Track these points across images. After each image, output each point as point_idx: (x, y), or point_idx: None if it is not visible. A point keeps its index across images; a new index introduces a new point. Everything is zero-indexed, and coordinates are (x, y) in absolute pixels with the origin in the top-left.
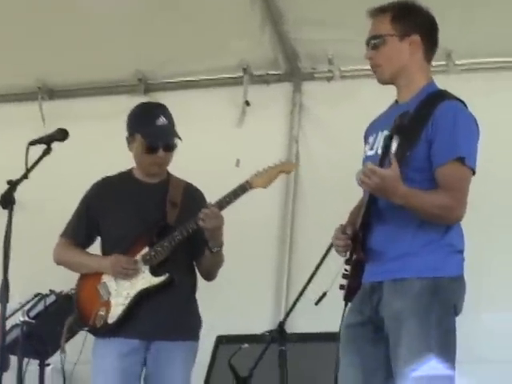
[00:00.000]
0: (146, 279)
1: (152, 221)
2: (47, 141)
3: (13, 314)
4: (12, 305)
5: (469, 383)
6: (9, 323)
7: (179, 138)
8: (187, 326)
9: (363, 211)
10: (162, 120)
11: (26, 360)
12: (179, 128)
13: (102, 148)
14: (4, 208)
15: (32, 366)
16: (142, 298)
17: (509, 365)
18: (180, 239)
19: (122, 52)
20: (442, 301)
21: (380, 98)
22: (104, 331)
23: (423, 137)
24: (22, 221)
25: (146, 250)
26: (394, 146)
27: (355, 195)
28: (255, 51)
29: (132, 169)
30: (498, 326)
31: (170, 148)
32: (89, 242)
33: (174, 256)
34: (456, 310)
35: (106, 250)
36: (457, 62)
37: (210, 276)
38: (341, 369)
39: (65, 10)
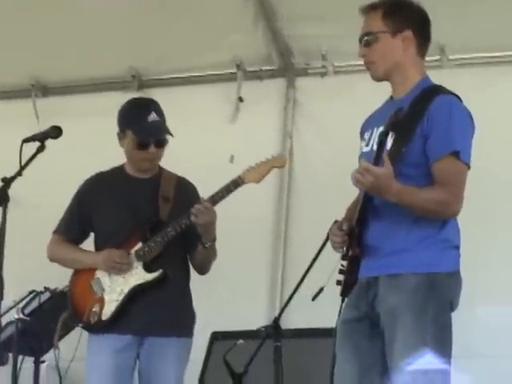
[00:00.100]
0: (139, 275)
1: (144, 216)
2: (41, 138)
3: (7, 311)
4: (6, 302)
5: (464, 378)
6: (3, 320)
7: (170, 135)
8: (181, 322)
9: (359, 207)
10: (153, 116)
11: (20, 357)
12: (173, 124)
13: (96, 145)
14: None
15: (27, 364)
16: (136, 294)
17: (504, 360)
18: (173, 235)
19: (115, 49)
20: (438, 296)
21: (374, 94)
22: (98, 328)
23: (418, 132)
24: (16, 218)
25: (139, 245)
26: (389, 142)
27: (349, 190)
28: (249, 47)
29: (124, 164)
30: (493, 320)
31: (161, 144)
32: (82, 237)
33: (167, 251)
34: (452, 306)
35: (99, 246)
36: (450, 57)
37: (203, 270)
38: (337, 364)
39: (58, 8)
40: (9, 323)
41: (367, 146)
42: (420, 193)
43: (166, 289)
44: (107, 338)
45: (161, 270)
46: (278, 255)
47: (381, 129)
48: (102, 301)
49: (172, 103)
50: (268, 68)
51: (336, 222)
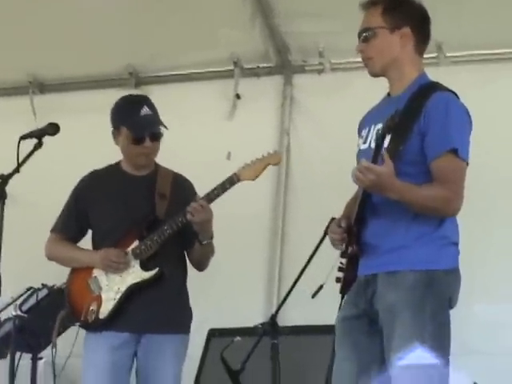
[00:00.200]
0: (136, 274)
1: (141, 214)
2: (38, 135)
3: (5, 308)
4: (4, 299)
5: (461, 376)
6: (1, 317)
7: (165, 127)
8: (178, 319)
9: (358, 205)
10: (145, 110)
11: (18, 354)
12: (170, 121)
13: (93, 141)
14: None
15: (24, 360)
16: (133, 293)
17: (501, 357)
18: (170, 233)
19: (112, 46)
20: (437, 293)
21: (371, 91)
22: (96, 326)
23: (416, 129)
24: (13, 215)
25: (136, 243)
26: (387, 140)
27: (346, 187)
28: (246, 44)
29: (120, 161)
30: (490, 317)
31: (156, 137)
32: (79, 235)
33: (164, 249)
34: (451, 303)
35: (96, 243)
36: (448, 54)
37: (201, 266)
38: (336, 361)
39: (56, 5)
40: (6, 320)
41: (365, 143)
42: (421, 190)
43: (162, 287)
44: (104, 335)
45: (157, 269)
46: (275, 252)
47: (378, 126)
48: (99, 299)
49: (169, 100)
50: (265, 65)
51: (333, 219)
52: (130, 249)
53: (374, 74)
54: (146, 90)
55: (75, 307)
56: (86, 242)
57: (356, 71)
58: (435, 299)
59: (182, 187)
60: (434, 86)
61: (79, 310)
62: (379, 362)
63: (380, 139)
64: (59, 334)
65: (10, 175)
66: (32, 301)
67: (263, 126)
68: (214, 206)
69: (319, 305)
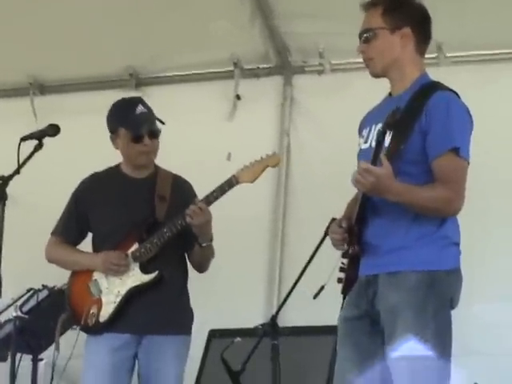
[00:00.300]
0: (136, 276)
1: (141, 216)
2: (39, 136)
3: (5, 309)
4: (5, 300)
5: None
6: (1, 318)
7: (162, 122)
8: (179, 320)
9: (358, 205)
10: (140, 108)
11: (19, 355)
12: (170, 122)
13: (93, 143)
14: None
15: (25, 361)
16: (133, 296)
17: (502, 358)
18: (169, 236)
19: (112, 47)
20: (438, 294)
21: (371, 91)
22: (96, 329)
23: (417, 128)
24: (14, 216)
25: (135, 246)
26: (387, 139)
27: (347, 188)
28: (246, 45)
29: (119, 164)
30: (490, 318)
31: (154, 134)
32: (79, 238)
33: (164, 252)
34: (452, 303)
35: (97, 246)
36: (448, 55)
37: (201, 268)
38: (337, 362)
39: (56, 6)
40: (7, 321)
41: (366, 143)
42: (421, 191)
43: (162, 290)
44: (105, 337)
45: (157, 272)
46: (276, 253)
47: (379, 125)
48: (99, 302)
49: (169, 101)
50: (265, 66)
51: (333, 219)
52: (129, 251)
53: (375, 75)
54: (147, 91)
55: (76, 310)
56: (87, 244)
57: (356, 72)
58: (437, 300)
59: (181, 189)
60: (436, 86)
61: (80, 314)
62: (381, 362)
63: (381, 136)
64: (60, 335)
65: (11, 176)
66: (32, 302)
67: (263, 126)
68: (214, 207)
69: (319, 305)
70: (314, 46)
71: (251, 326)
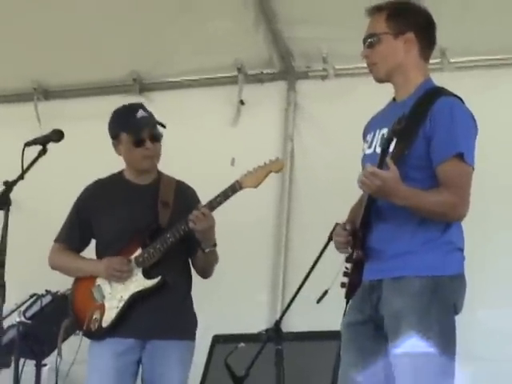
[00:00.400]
0: (138, 282)
1: (144, 222)
2: (43, 141)
3: (9, 314)
4: (8, 305)
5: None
6: (5, 324)
7: (163, 126)
8: (183, 325)
9: (363, 209)
10: (141, 113)
11: (22, 360)
12: (174, 127)
13: (97, 148)
14: (0, 209)
15: (28, 367)
16: (136, 301)
17: (505, 364)
18: (172, 241)
19: (116, 52)
20: (442, 299)
21: (375, 96)
22: (99, 335)
23: (421, 134)
24: (17, 221)
25: (138, 251)
26: (392, 144)
27: (350, 193)
28: (249, 50)
29: (123, 170)
30: (493, 324)
31: (156, 138)
32: (83, 245)
33: (167, 257)
34: (456, 309)
35: (100, 252)
36: (451, 60)
37: (205, 274)
38: (341, 367)
39: (60, 12)
40: (10, 326)
41: (370, 147)
42: (427, 195)
43: (165, 295)
44: (108, 341)
45: (160, 277)
46: (279, 258)
47: (383, 131)
48: (102, 308)
49: (173, 106)
50: (269, 71)
51: (337, 224)
52: (132, 257)
53: (379, 80)
54: (150, 96)
55: (79, 316)
56: (90, 251)
57: (360, 77)
58: (440, 305)
59: (184, 195)
60: (440, 91)
61: (82, 319)
62: (385, 366)
63: (386, 143)
64: (63, 340)
65: (15, 182)
66: (36, 307)
67: (267, 131)
68: (218, 212)
69: (323, 310)
70: (317, 51)
71: (255, 331)
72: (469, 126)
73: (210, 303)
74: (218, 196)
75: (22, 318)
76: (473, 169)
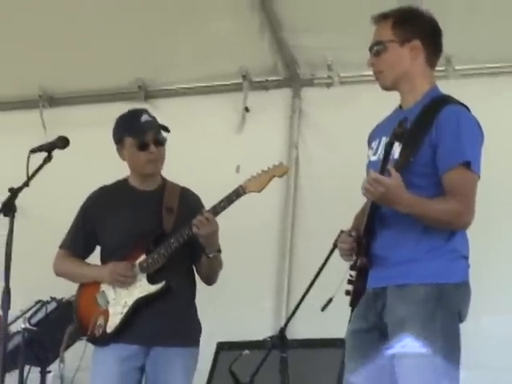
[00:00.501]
0: (143, 287)
1: (148, 228)
2: (48, 148)
3: (14, 321)
4: (13, 312)
5: None
6: (10, 330)
7: (167, 130)
8: (187, 332)
9: (366, 216)
10: (145, 117)
11: (27, 367)
12: (179, 134)
13: (102, 155)
14: (5, 215)
15: (33, 373)
16: (140, 306)
17: (509, 372)
18: (176, 246)
19: (121, 59)
20: (447, 307)
21: (379, 104)
22: (103, 340)
23: (427, 141)
24: (23, 228)
25: (143, 257)
26: (397, 152)
27: (355, 200)
28: (254, 58)
29: (127, 177)
30: (497, 331)
31: (160, 142)
32: (87, 252)
33: (171, 262)
34: (460, 317)
35: (105, 259)
36: (457, 67)
37: (209, 280)
38: (345, 374)
39: (65, 20)
40: (15, 333)
41: (375, 155)
42: (431, 203)
43: (170, 300)
44: (112, 347)
45: (164, 282)
46: (284, 264)
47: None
48: (106, 313)
49: (178, 113)
50: (274, 78)
51: (342, 232)
52: (137, 262)
53: (386, 88)
54: (155, 103)
55: (83, 322)
56: (95, 257)
57: (364, 84)
58: (445, 313)
59: (189, 201)
60: (446, 99)
61: (87, 325)
62: (389, 374)
63: (388, 147)
64: (68, 346)
65: (20, 189)
66: (41, 314)
67: (272, 139)
68: (222, 218)
69: (328, 318)
70: (322, 58)
71: (259, 337)
72: (475, 134)
73: (214, 309)
74: (222, 201)
75: (27, 325)
76: (479, 177)
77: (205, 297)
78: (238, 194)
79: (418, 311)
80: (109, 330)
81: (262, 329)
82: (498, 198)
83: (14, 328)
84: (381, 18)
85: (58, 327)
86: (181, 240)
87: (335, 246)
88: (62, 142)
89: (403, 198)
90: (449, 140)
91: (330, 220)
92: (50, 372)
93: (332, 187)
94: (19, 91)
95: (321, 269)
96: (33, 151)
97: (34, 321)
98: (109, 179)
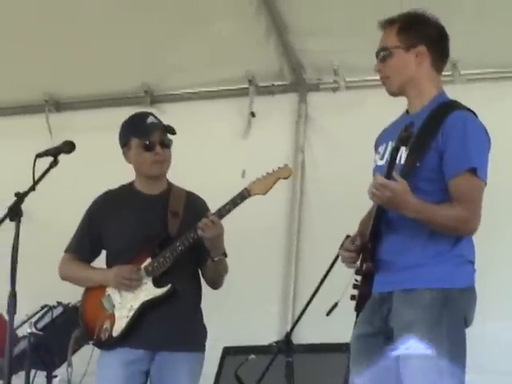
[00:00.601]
0: (148, 291)
1: (153, 232)
2: (54, 153)
3: (20, 325)
4: (19, 316)
5: None
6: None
7: (173, 131)
8: (192, 336)
9: (372, 221)
10: (151, 119)
11: (33, 371)
12: (185, 139)
13: (108, 159)
14: (11, 220)
15: (39, 378)
16: (146, 310)
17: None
18: (182, 249)
19: (127, 64)
20: (452, 312)
21: (386, 108)
22: (109, 344)
23: (433, 146)
24: (29, 232)
25: (148, 260)
26: (403, 157)
27: (361, 204)
28: (260, 62)
29: (133, 181)
30: (503, 336)
31: (166, 144)
32: (93, 256)
33: (177, 266)
34: (466, 322)
35: (110, 263)
36: (462, 72)
37: (215, 285)
38: (351, 379)
39: (71, 24)
40: (22, 338)
41: (381, 159)
42: (438, 209)
43: (176, 304)
44: (118, 351)
45: (169, 285)
46: (290, 268)
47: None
48: (112, 317)
49: (184, 118)
50: (280, 83)
51: (348, 236)
52: (142, 266)
53: (393, 93)
54: (162, 107)
55: (89, 326)
56: (101, 261)
57: (371, 89)
58: (451, 318)
59: (194, 205)
60: (453, 105)
61: (92, 329)
62: (394, 379)
63: (394, 151)
64: (74, 351)
65: (26, 193)
66: (47, 318)
67: (278, 143)
68: (228, 221)
69: (334, 323)
70: (328, 63)
71: (265, 341)
72: (482, 141)
73: (220, 314)
74: (227, 204)
75: (33, 329)
76: (485, 184)
77: (210, 301)
78: (242, 196)
79: (424, 316)
80: (115, 333)
81: (267, 333)
82: (503, 204)
83: (20, 333)
84: (387, 24)
85: (64, 332)
86: (186, 243)
87: None
88: (68, 147)
89: (410, 203)
90: (455, 146)
91: (336, 224)
92: (56, 376)
93: (338, 192)
94: (25, 96)
95: (326, 274)
96: (39, 156)
97: (40, 325)
98: (114, 184)
